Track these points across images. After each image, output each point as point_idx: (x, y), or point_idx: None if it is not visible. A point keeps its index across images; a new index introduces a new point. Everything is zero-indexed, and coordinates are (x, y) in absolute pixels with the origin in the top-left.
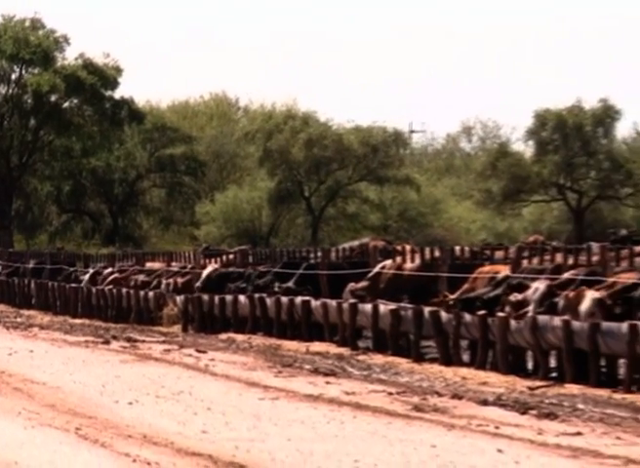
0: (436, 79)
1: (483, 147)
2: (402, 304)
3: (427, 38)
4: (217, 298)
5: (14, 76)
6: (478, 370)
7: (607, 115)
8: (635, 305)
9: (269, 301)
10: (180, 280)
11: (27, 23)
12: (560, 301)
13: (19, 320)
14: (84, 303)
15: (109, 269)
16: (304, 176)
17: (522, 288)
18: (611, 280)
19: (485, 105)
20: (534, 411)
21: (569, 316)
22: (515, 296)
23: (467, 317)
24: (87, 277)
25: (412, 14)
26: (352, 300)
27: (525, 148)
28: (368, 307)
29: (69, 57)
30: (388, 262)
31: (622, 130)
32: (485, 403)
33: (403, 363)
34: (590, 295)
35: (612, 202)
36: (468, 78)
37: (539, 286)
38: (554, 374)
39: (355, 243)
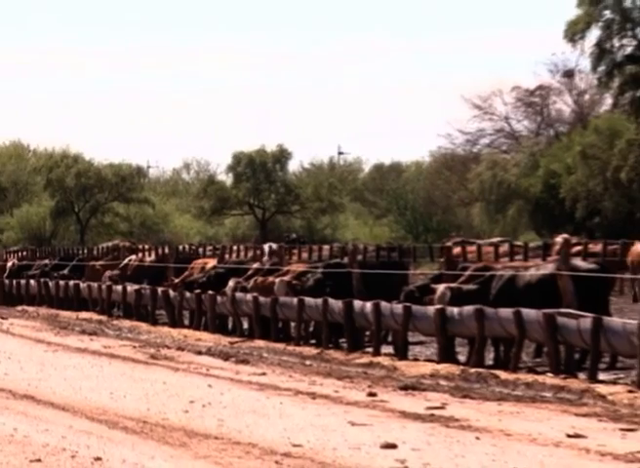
0: (165, 127)
1: (198, 177)
2: (143, 286)
3: (161, 95)
4: (14, 282)
5: None
6: (195, 331)
7: (282, 155)
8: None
9: (51, 284)
10: None
11: None
12: (249, 285)
13: None
14: None
15: None
16: (75, 198)
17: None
18: (285, 269)
19: (199, 147)
20: (233, 359)
21: (258, 294)
22: (237, 280)
23: (187, 294)
24: None
25: (158, 67)
26: (109, 283)
27: (227, 178)
28: (119, 288)
29: None
30: (133, 257)
31: (293, 166)
32: (200, 353)
33: (143, 326)
34: (279, 279)
35: (285, 215)
36: (188, 126)
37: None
38: (247, 333)
39: (110, 244)
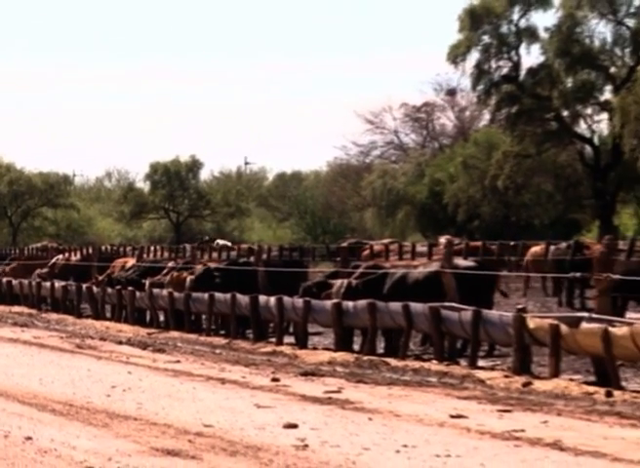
0: (89, 140)
1: (118, 185)
2: (69, 282)
3: (86, 111)
4: None
5: None
6: (116, 323)
7: (194, 165)
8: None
9: None
10: None
11: None
12: (166, 280)
13: None
14: None
15: None
16: (8, 203)
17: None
18: (198, 267)
19: (120, 158)
20: (151, 348)
21: (173, 287)
22: (151, 279)
23: (109, 290)
24: None
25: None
26: (37, 280)
27: (144, 186)
28: (48, 284)
29: None
30: (60, 256)
31: (204, 174)
32: (120, 343)
33: (70, 318)
34: (189, 278)
35: (198, 219)
36: (110, 139)
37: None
38: (163, 325)
39: (39, 244)
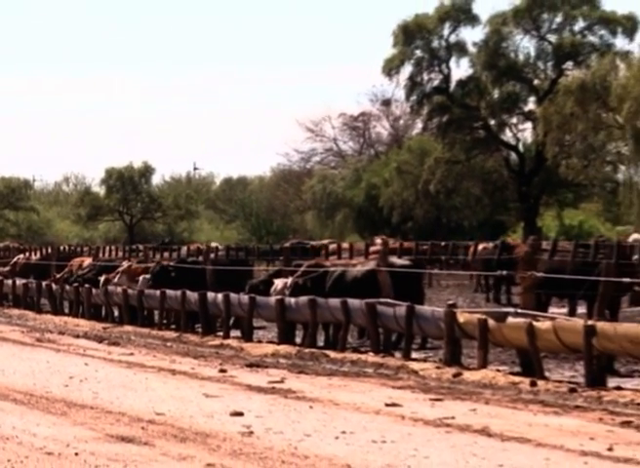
0: (48, 147)
1: (76, 189)
2: (30, 280)
3: (46, 120)
4: None
5: None
6: (74, 318)
7: (147, 171)
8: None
9: None
10: None
11: None
12: (116, 278)
13: None
14: None
15: None
16: None
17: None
18: (150, 265)
19: (77, 163)
20: (106, 341)
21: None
22: (106, 277)
23: (67, 287)
24: None
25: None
26: (0, 278)
27: (100, 190)
28: (10, 282)
29: None
30: (21, 255)
31: (156, 179)
32: (78, 336)
33: (30, 314)
34: (142, 277)
35: (150, 221)
36: (68, 146)
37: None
38: (117, 320)
39: (1, 244)
